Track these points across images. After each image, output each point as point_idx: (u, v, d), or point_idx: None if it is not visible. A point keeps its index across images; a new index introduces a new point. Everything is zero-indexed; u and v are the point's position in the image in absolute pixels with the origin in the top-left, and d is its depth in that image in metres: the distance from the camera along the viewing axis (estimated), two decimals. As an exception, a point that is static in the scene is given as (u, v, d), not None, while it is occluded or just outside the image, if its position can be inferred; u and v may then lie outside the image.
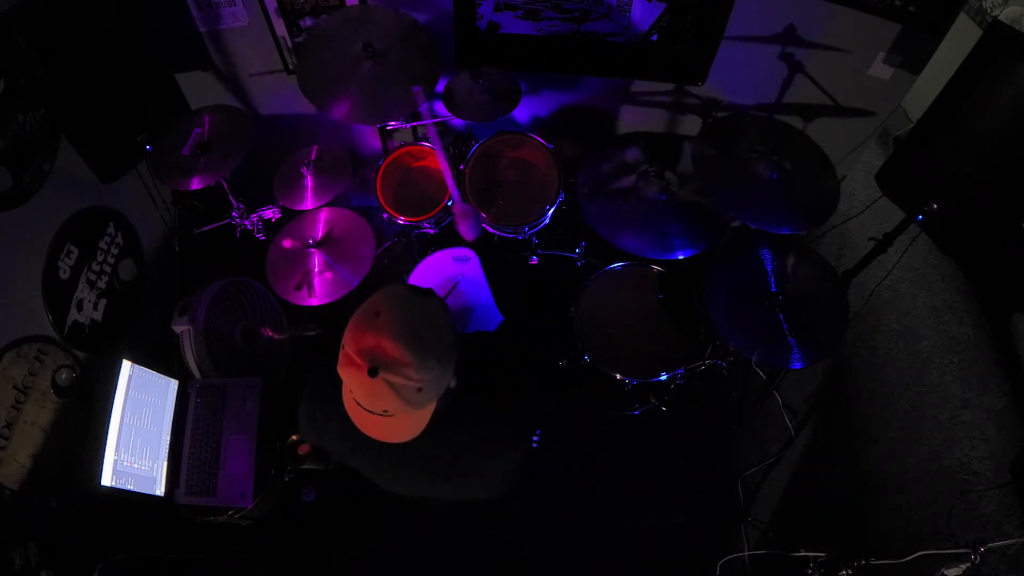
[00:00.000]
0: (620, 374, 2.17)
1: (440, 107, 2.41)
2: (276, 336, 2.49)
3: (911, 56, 2.27)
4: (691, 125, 2.81)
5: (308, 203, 2.30)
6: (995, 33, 1.69)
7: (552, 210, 2.30)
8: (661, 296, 2.32)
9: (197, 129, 2.21)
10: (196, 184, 2.12)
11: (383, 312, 1.01)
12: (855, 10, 2.21)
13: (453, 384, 1.09)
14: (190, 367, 2.26)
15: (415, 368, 0.98)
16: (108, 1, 2.10)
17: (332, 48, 2.20)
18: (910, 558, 1.81)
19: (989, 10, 2.24)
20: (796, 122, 2.61)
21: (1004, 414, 2.04)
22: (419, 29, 2.23)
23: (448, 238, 2.50)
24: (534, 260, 2.48)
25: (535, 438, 1.64)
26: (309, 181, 2.32)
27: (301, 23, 2.50)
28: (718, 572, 2.29)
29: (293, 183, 2.33)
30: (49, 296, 2.08)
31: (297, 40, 2.56)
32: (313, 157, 2.35)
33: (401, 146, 2.46)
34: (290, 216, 2.36)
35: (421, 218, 2.34)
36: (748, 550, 2.35)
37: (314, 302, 2.16)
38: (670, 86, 2.68)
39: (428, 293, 1.09)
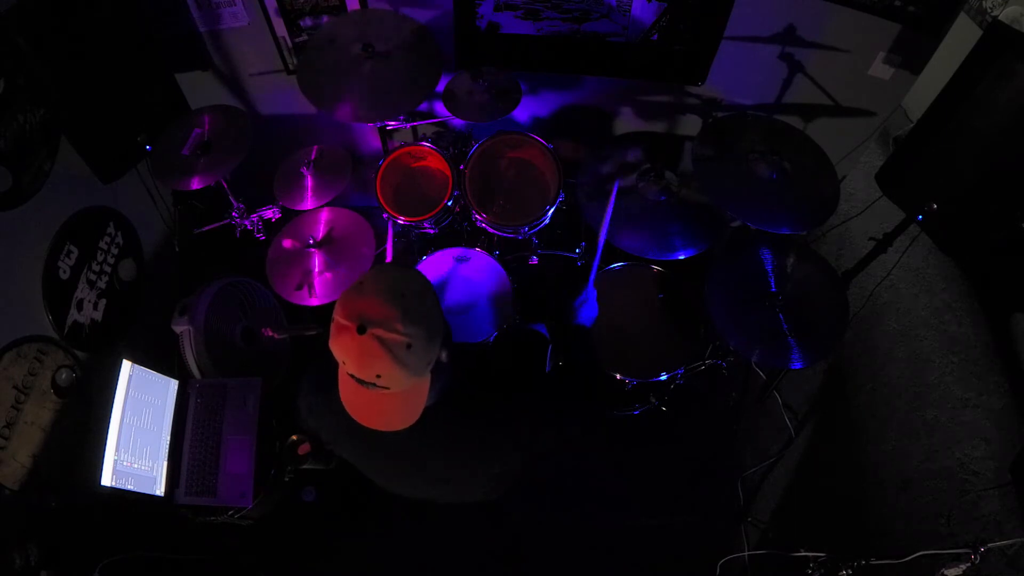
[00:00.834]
0: (620, 374, 2.17)
1: (440, 107, 2.41)
2: (276, 336, 2.49)
3: (911, 56, 2.27)
4: (691, 125, 2.81)
5: (308, 203, 2.30)
6: (995, 33, 1.69)
7: (552, 210, 2.30)
8: (661, 296, 2.32)
9: (197, 129, 2.21)
10: (196, 184, 2.12)
11: (366, 281, 1.04)
12: (855, 10, 2.21)
13: (445, 357, 1.09)
14: (190, 367, 2.26)
15: (400, 321, 0.99)
16: (108, 1, 2.10)
17: (333, 48, 2.20)
18: (910, 558, 1.81)
19: (989, 10, 2.24)
20: (796, 122, 2.61)
21: (1004, 414, 2.04)
22: (422, 33, 2.23)
23: (448, 238, 2.50)
24: (534, 260, 2.48)
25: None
26: (309, 181, 2.32)
27: (301, 23, 2.50)
28: (718, 572, 2.28)
29: (293, 183, 2.33)
30: (49, 296, 2.08)
31: (297, 40, 2.56)
32: (313, 157, 2.35)
33: (401, 146, 2.46)
34: (290, 216, 2.36)
35: (421, 218, 2.34)
36: (748, 550, 2.35)
37: (314, 302, 2.16)
38: (670, 86, 2.68)
39: (412, 269, 1.13)
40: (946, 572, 1.72)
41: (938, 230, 1.99)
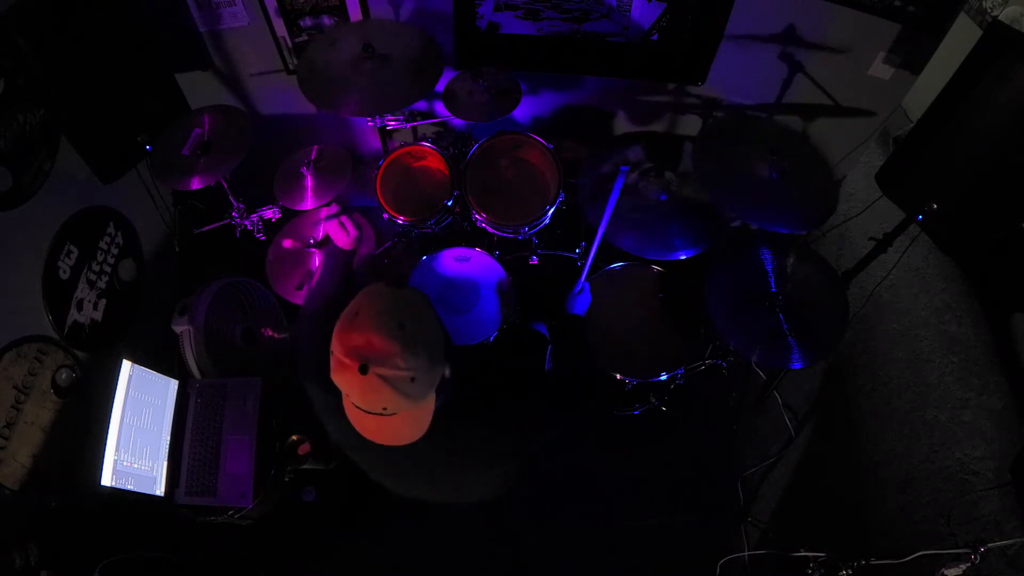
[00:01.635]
0: (620, 374, 2.17)
1: (440, 107, 2.41)
2: (276, 336, 2.49)
3: (911, 56, 2.27)
4: (691, 125, 2.81)
5: (308, 203, 2.30)
6: (995, 33, 1.69)
7: (552, 210, 2.30)
8: (661, 296, 2.32)
9: (197, 129, 2.21)
10: (196, 184, 2.11)
11: (362, 310, 1.02)
12: (855, 10, 2.21)
13: (448, 373, 1.09)
14: (190, 367, 2.26)
15: (402, 356, 0.98)
16: (108, 1, 2.10)
17: (333, 50, 2.20)
18: (910, 558, 1.81)
19: (989, 10, 2.24)
20: (796, 122, 2.61)
21: (1004, 414, 2.04)
22: (423, 37, 2.24)
23: (448, 238, 2.50)
24: (534, 260, 2.48)
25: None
26: (309, 181, 2.32)
27: (301, 23, 2.50)
28: (718, 572, 2.28)
29: (293, 183, 2.33)
30: (49, 296, 2.08)
31: (297, 40, 2.56)
32: (313, 157, 2.34)
33: (401, 146, 2.46)
34: (290, 216, 2.36)
35: (421, 218, 2.34)
36: (748, 550, 2.35)
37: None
38: (670, 86, 2.68)
39: (405, 286, 1.11)
40: (946, 572, 1.72)
41: (938, 230, 1.99)
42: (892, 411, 2.29)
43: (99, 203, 2.33)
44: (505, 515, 2.10)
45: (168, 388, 2.20)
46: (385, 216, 2.37)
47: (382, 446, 1.18)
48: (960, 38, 2.09)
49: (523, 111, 2.85)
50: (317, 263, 2.21)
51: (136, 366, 2.09)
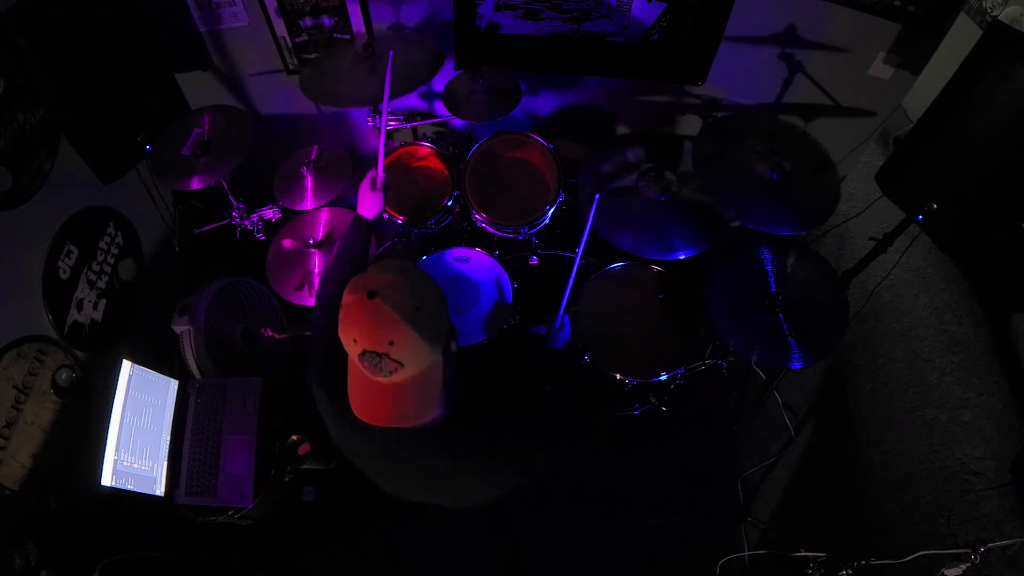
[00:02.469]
0: (620, 374, 2.17)
1: (440, 107, 2.41)
2: (276, 336, 2.49)
3: (911, 56, 2.27)
4: (691, 125, 2.81)
5: (308, 203, 2.30)
6: (995, 33, 1.69)
7: (552, 210, 2.30)
8: (661, 296, 2.32)
9: (197, 129, 2.21)
10: (196, 184, 2.12)
11: (370, 268, 1.06)
12: (855, 10, 2.21)
13: (454, 348, 1.10)
14: (190, 367, 2.26)
15: (410, 289, 1.01)
16: (108, 1, 2.10)
17: (334, 51, 2.21)
18: (910, 558, 1.81)
19: (989, 10, 2.24)
20: (796, 122, 2.61)
21: (1004, 414, 2.04)
22: (423, 40, 2.25)
23: (448, 238, 2.50)
24: (534, 260, 2.48)
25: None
26: (309, 181, 2.32)
27: (301, 23, 2.50)
28: (718, 572, 2.28)
29: (293, 183, 2.33)
30: (49, 296, 2.08)
31: (297, 40, 2.56)
32: (313, 157, 2.35)
33: (401, 146, 2.46)
34: (290, 216, 2.36)
35: (421, 218, 2.34)
36: (748, 550, 2.35)
37: (314, 302, 2.16)
38: (670, 86, 2.68)
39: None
40: (946, 572, 1.72)
41: (938, 230, 1.99)
42: (892, 411, 2.29)
43: (99, 203, 2.33)
44: (505, 515, 2.10)
45: (168, 388, 2.20)
46: (385, 216, 2.37)
47: (382, 448, 1.17)
48: (960, 38, 2.09)
49: (523, 111, 2.85)
50: (317, 263, 2.21)
51: (136, 366, 2.10)
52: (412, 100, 2.81)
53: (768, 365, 2.62)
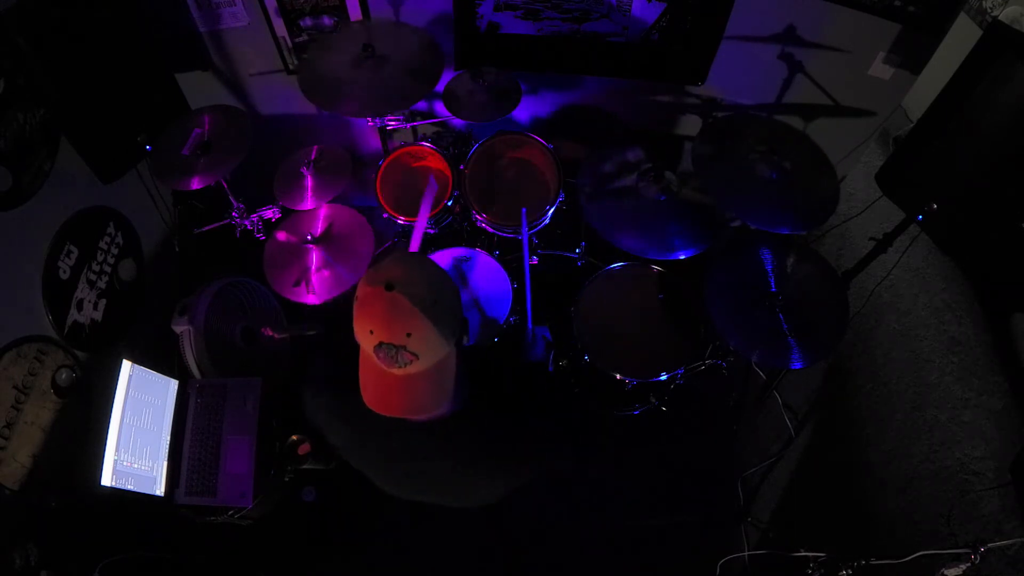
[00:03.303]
0: (620, 374, 2.17)
1: (440, 107, 2.41)
2: (276, 336, 2.49)
3: (911, 56, 2.27)
4: (691, 125, 2.81)
5: (308, 203, 2.30)
6: (995, 33, 1.69)
7: (552, 210, 2.30)
8: (661, 296, 2.32)
9: (197, 129, 2.21)
10: (196, 184, 2.12)
11: (383, 262, 1.05)
12: (855, 10, 2.21)
13: (466, 342, 1.10)
14: (190, 367, 2.26)
15: (426, 282, 1.02)
16: (108, 1, 2.10)
17: (333, 50, 2.21)
18: (910, 558, 1.81)
19: (989, 10, 2.24)
20: (796, 122, 2.61)
21: (1004, 414, 2.04)
22: (423, 38, 2.24)
23: (448, 238, 2.50)
24: (534, 260, 2.48)
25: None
26: (309, 181, 2.32)
27: (301, 23, 2.50)
28: (718, 572, 2.28)
29: (293, 183, 2.33)
30: (49, 296, 2.08)
31: (297, 40, 2.56)
32: (313, 157, 2.35)
33: (401, 146, 2.46)
34: (290, 216, 2.36)
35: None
36: (748, 550, 2.35)
37: (312, 300, 2.16)
38: (670, 86, 2.68)
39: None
40: (946, 572, 1.72)
41: (938, 230, 1.99)
42: (892, 411, 2.29)
43: (99, 203, 2.33)
44: (505, 515, 2.09)
45: (168, 388, 2.20)
46: (385, 216, 2.38)
47: (382, 450, 1.17)
48: (960, 38, 2.10)
49: (523, 111, 2.85)
50: (315, 260, 2.21)
51: (136, 366, 2.09)
52: (412, 100, 2.81)
53: (768, 365, 2.62)
